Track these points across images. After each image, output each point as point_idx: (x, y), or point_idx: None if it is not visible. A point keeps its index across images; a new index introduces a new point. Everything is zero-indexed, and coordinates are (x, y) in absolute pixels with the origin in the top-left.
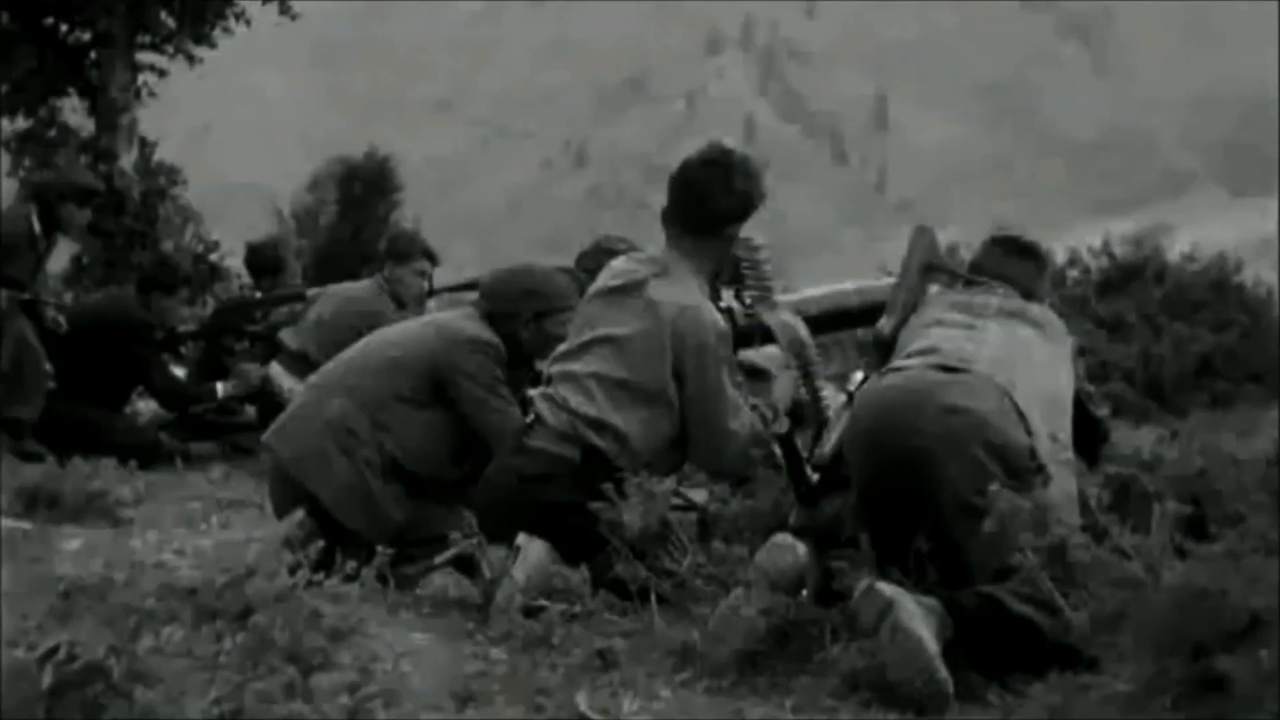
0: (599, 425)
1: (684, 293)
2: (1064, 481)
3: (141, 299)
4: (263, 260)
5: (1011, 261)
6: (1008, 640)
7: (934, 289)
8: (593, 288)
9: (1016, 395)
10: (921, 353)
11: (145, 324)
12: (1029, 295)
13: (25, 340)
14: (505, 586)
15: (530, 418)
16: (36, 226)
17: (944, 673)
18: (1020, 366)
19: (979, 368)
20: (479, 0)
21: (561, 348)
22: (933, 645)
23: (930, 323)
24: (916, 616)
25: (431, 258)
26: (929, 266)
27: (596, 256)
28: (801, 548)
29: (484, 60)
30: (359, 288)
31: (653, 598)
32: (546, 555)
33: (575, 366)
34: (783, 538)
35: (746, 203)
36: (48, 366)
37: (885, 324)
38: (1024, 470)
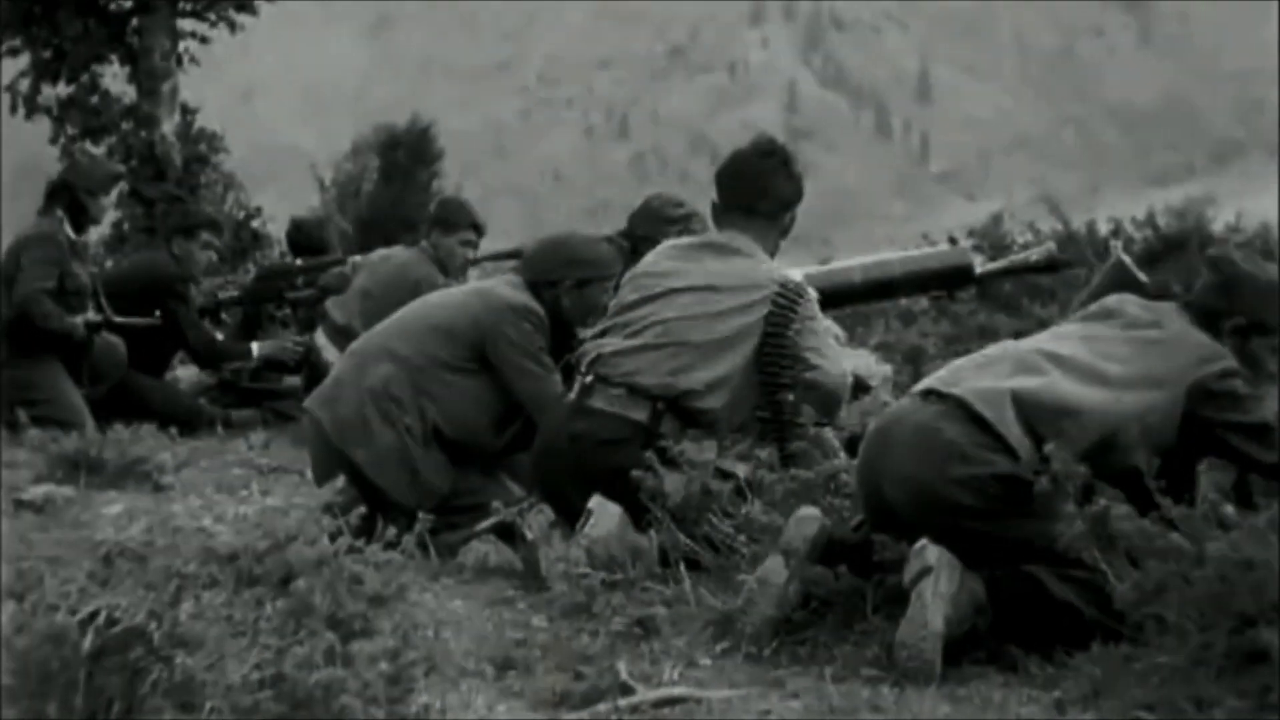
0: (681, 385)
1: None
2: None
3: (170, 253)
4: (306, 240)
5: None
6: (1049, 620)
7: None
8: (663, 247)
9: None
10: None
11: (176, 277)
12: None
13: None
14: (546, 554)
15: (588, 378)
16: (70, 233)
17: (932, 654)
18: (1036, 371)
19: (971, 385)
20: None
21: (629, 296)
22: (936, 625)
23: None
24: (943, 591)
25: (479, 229)
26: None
27: (647, 219)
28: (824, 519)
29: (529, 29)
30: (405, 256)
31: (680, 566)
32: (620, 521)
33: (649, 321)
34: (807, 510)
35: (801, 189)
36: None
37: None
38: (1001, 496)
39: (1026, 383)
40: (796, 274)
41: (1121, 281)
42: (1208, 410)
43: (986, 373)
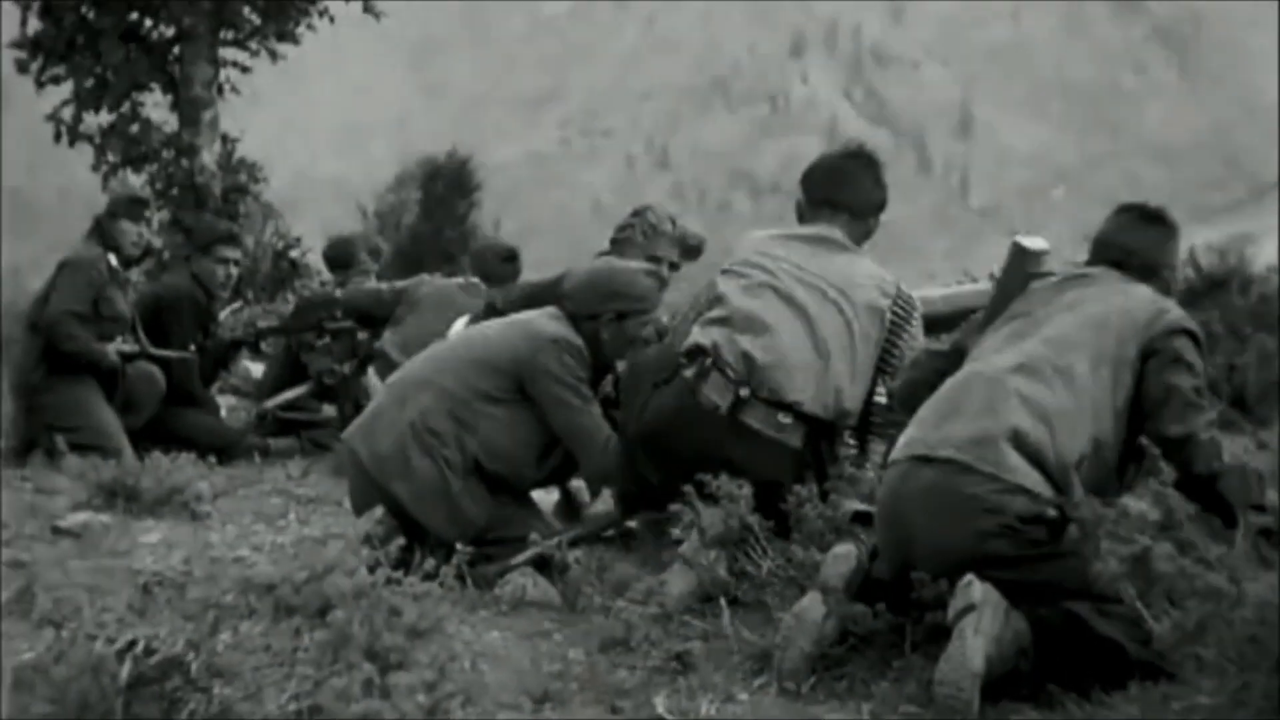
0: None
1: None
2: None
3: (190, 275)
4: (334, 254)
5: (1136, 229)
6: (1090, 657)
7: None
8: (759, 235)
9: (999, 446)
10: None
11: (183, 297)
12: (1149, 268)
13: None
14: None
15: (743, 390)
16: (113, 261)
17: (971, 693)
18: (1016, 397)
19: (951, 436)
20: (569, 1)
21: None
22: (977, 664)
23: (976, 357)
24: (986, 632)
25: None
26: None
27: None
28: (862, 556)
29: (571, 61)
30: (454, 289)
31: (720, 600)
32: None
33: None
34: (843, 548)
35: (886, 197)
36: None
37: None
38: (1030, 543)
39: (1017, 420)
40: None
41: (1024, 270)
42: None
43: (962, 418)
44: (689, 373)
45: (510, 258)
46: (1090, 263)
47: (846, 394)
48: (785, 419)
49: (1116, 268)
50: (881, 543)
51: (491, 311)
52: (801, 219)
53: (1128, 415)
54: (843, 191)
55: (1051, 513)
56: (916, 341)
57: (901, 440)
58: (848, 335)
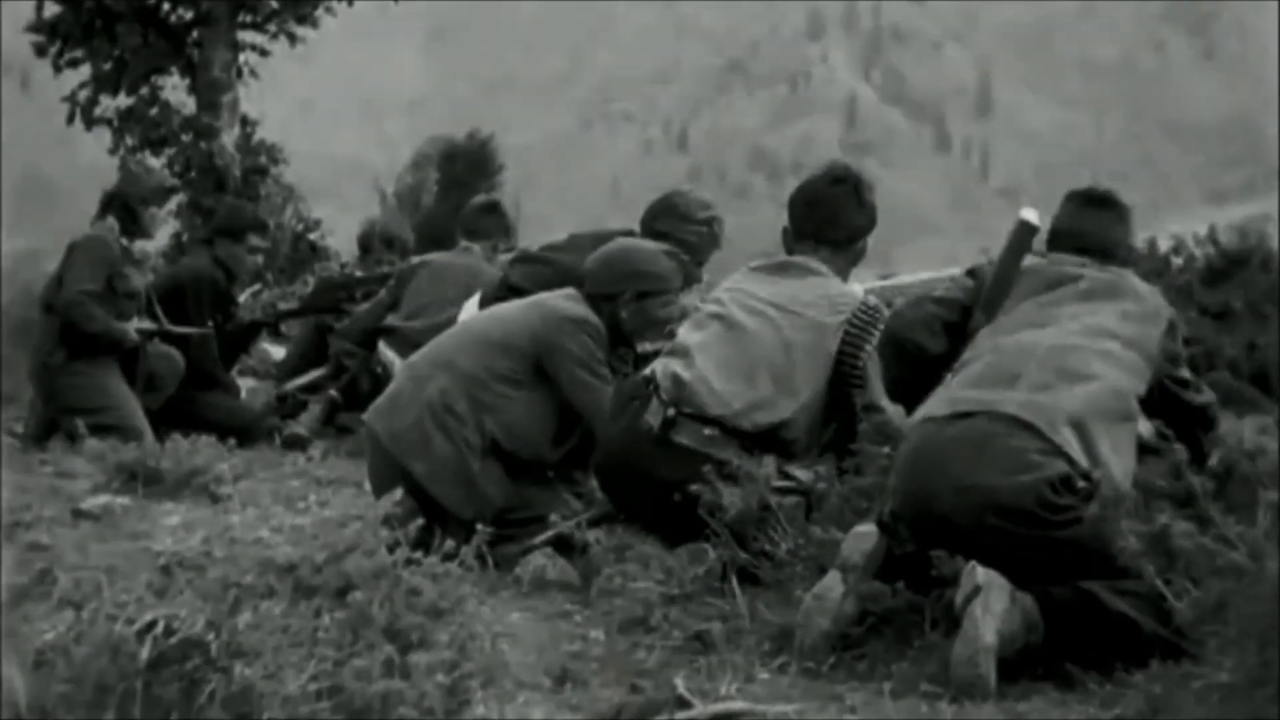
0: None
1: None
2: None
3: (212, 257)
4: (363, 239)
5: (1088, 215)
6: (1106, 636)
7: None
8: (739, 270)
9: (1059, 418)
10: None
11: (204, 280)
12: (1107, 251)
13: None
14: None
15: (670, 410)
16: (123, 240)
17: (986, 670)
18: (1076, 373)
19: (1013, 397)
20: None
21: (702, 318)
22: (989, 639)
23: (997, 331)
24: (995, 610)
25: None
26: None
27: (667, 214)
28: (878, 535)
29: (589, 42)
30: (448, 257)
31: (733, 580)
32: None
33: (728, 347)
34: (864, 527)
35: (874, 217)
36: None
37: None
38: (1057, 507)
39: (1069, 397)
40: (858, 289)
41: (1028, 245)
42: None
43: (1018, 385)
44: (635, 404)
45: (489, 209)
46: (1051, 251)
47: (778, 405)
48: (711, 433)
49: (1077, 255)
50: (900, 492)
51: (505, 286)
52: (788, 249)
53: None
54: (825, 227)
55: (1082, 483)
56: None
57: (935, 402)
58: (782, 352)
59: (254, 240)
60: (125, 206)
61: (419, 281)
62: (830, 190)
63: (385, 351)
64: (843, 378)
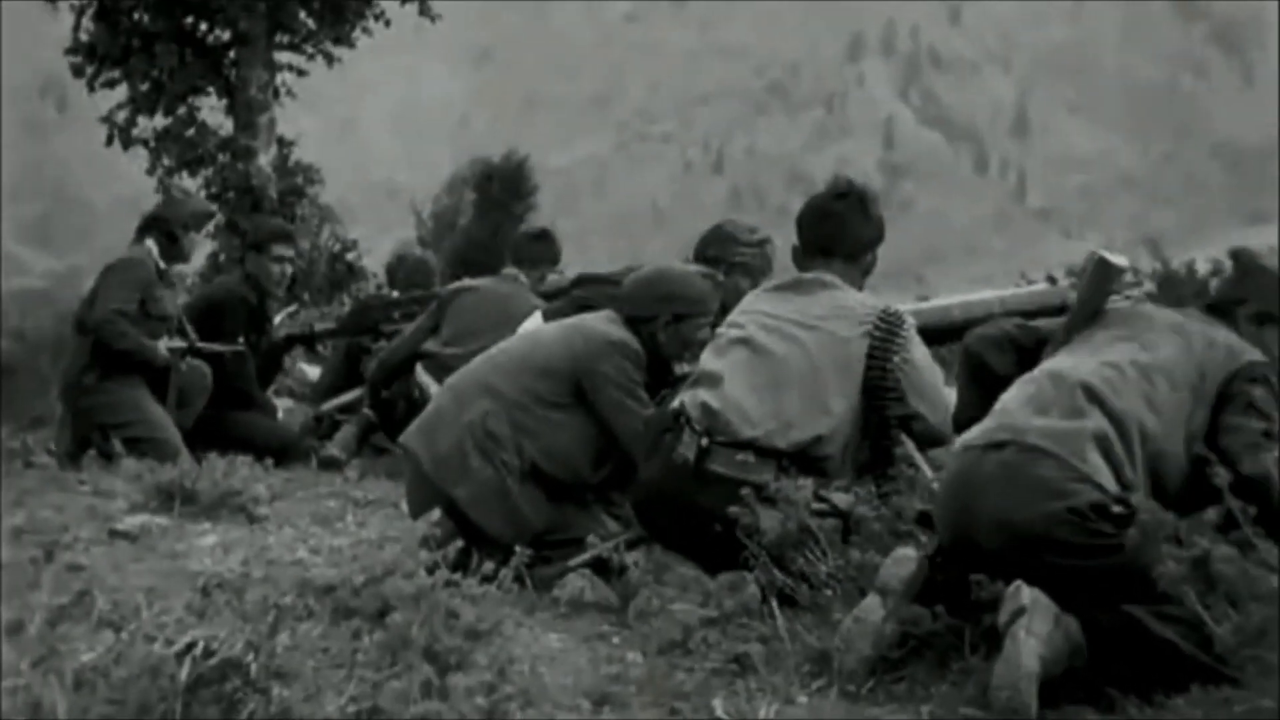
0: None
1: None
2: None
3: (244, 274)
4: (406, 276)
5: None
6: (1149, 661)
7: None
8: (753, 291)
9: (1084, 444)
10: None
11: (234, 299)
12: (1228, 304)
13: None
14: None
15: (704, 440)
16: (160, 263)
17: (1028, 694)
18: (1106, 401)
19: (1039, 426)
20: (627, 1)
21: (723, 343)
22: (1032, 665)
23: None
24: (1038, 633)
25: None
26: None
27: (718, 241)
28: (922, 559)
29: (628, 63)
30: (492, 283)
31: (773, 603)
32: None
33: (752, 370)
34: (903, 550)
35: (882, 229)
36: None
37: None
38: (1095, 534)
39: (1100, 423)
40: (878, 301)
41: (1107, 285)
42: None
43: (1050, 415)
44: (667, 437)
45: (540, 237)
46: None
47: (811, 422)
48: (746, 458)
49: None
50: (943, 523)
51: (576, 305)
52: (800, 266)
53: (1193, 446)
54: (834, 241)
55: (1117, 509)
56: (914, 356)
57: (976, 430)
58: (808, 369)
59: (278, 250)
60: (165, 230)
61: (459, 307)
62: (836, 205)
63: (422, 376)
64: (873, 390)
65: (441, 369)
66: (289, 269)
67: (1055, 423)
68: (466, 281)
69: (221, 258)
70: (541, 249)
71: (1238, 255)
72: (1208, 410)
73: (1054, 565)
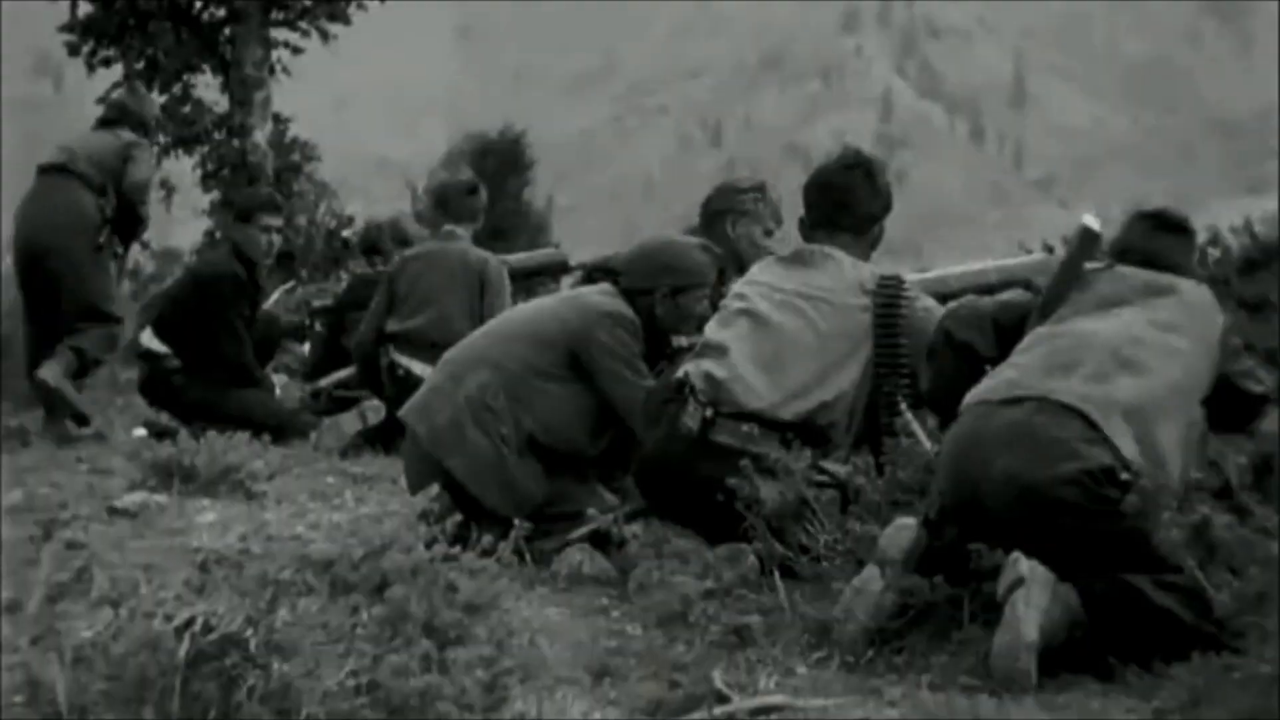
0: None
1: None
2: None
3: (232, 247)
4: (363, 241)
5: (1160, 237)
6: (1148, 629)
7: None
8: (757, 264)
9: (1113, 408)
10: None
11: (226, 277)
12: (1177, 272)
13: None
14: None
15: (708, 411)
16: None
17: (1027, 664)
18: (1137, 365)
19: (1068, 386)
20: None
21: (728, 314)
22: (1032, 635)
23: (1055, 323)
24: (1037, 602)
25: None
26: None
27: (720, 195)
28: (920, 528)
29: (622, 37)
30: (434, 245)
31: (775, 574)
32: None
33: (757, 342)
34: (904, 519)
35: (889, 201)
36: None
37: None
38: (1096, 498)
39: (1126, 387)
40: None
41: (1091, 253)
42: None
43: (1075, 374)
44: (671, 407)
45: (473, 189)
46: (1118, 265)
47: (812, 391)
48: (752, 429)
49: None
50: (947, 478)
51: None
52: (805, 237)
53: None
54: (840, 213)
55: (1126, 475)
56: (917, 318)
57: (987, 385)
58: (812, 339)
59: (266, 219)
60: (139, 123)
61: (409, 277)
62: (843, 176)
63: (398, 357)
64: (884, 360)
65: (410, 345)
66: (276, 239)
67: (1083, 384)
68: (409, 250)
69: (217, 234)
70: (474, 202)
71: (1180, 221)
72: (1214, 363)
73: (1057, 526)
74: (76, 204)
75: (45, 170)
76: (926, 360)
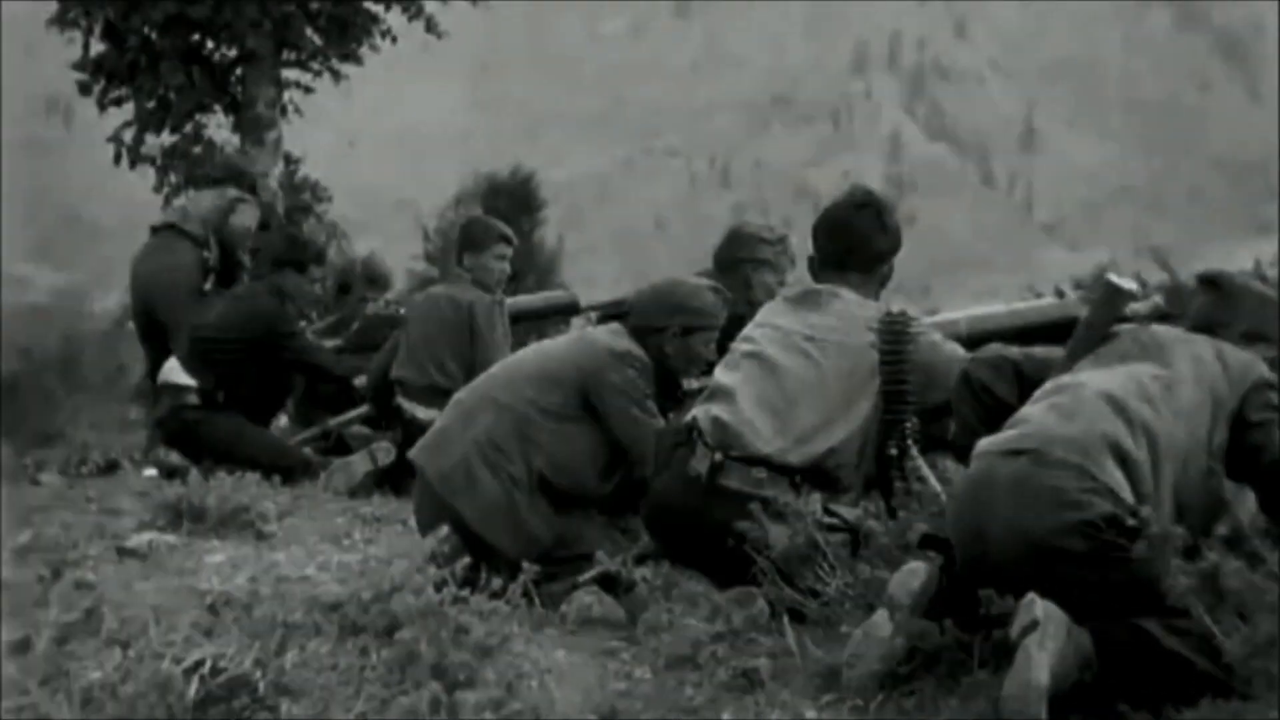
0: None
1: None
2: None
3: (273, 286)
4: (344, 278)
5: (1197, 297)
6: (1159, 674)
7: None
8: (766, 305)
9: (1106, 455)
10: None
11: (281, 318)
12: (1213, 327)
13: None
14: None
15: (717, 455)
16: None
17: (1037, 709)
18: (1131, 413)
19: (1061, 435)
20: (629, 15)
21: (737, 358)
22: (1042, 679)
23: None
24: (1050, 647)
25: (508, 240)
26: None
27: (740, 242)
28: (930, 573)
29: (633, 77)
30: (446, 290)
31: (783, 618)
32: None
33: (765, 385)
34: (913, 563)
35: (898, 239)
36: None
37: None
38: (1103, 545)
39: (1121, 436)
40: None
41: (1115, 310)
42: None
43: (1074, 421)
44: (680, 451)
45: (479, 224)
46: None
47: (820, 435)
48: (761, 474)
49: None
50: (955, 529)
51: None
52: (815, 277)
53: (1215, 460)
54: (850, 253)
55: (1131, 521)
56: (923, 352)
57: (995, 437)
58: (819, 382)
59: (316, 272)
60: (249, 185)
61: (412, 318)
62: (853, 216)
63: (404, 403)
64: (892, 396)
65: (414, 390)
66: (320, 289)
67: (1077, 432)
68: (418, 295)
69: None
70: (481, 230)
71: (1215, 280)
72: (1228, 424)
73: (1064, 576)
74: (181, 260)
75: (156, 230)
76: (953, 408)
